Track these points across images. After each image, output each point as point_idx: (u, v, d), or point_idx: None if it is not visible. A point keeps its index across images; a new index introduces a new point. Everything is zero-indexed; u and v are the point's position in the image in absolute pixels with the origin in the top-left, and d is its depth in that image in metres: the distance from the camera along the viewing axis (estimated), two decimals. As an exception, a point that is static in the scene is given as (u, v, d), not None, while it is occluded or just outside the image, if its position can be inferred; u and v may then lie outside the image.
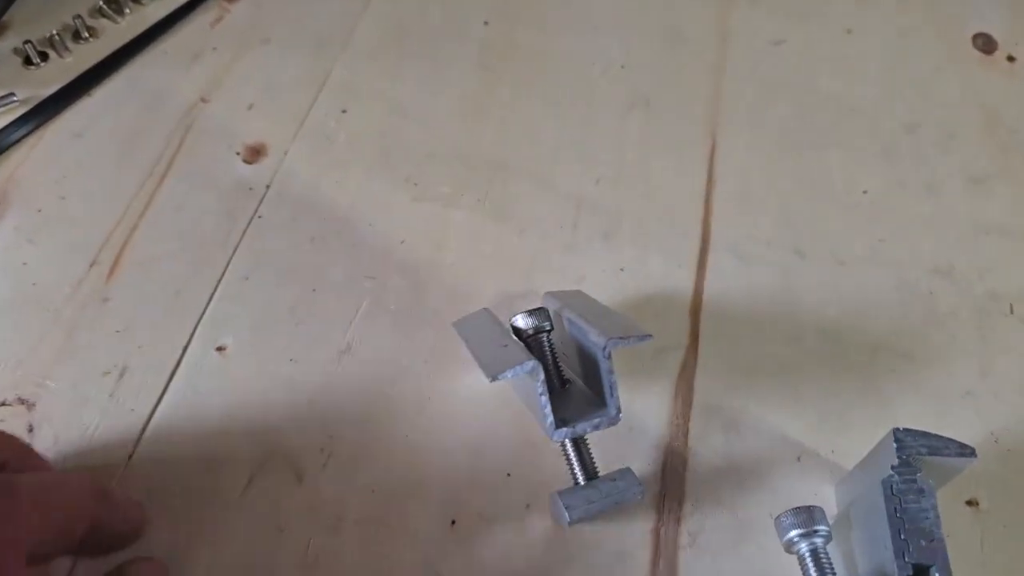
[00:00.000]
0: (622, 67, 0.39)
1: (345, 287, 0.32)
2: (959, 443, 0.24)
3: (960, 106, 0.37)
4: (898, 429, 0.24)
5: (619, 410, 0.25)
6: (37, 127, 0.37)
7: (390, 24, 0.41)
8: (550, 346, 0.26)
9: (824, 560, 0.23)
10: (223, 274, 0.32)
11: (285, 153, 0.36)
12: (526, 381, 0.25)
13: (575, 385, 0.27)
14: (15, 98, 0.38)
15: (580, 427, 0.25)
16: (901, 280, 0.32)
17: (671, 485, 0.28)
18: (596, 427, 0.25)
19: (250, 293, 0.32)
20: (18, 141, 0.37)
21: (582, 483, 0.25)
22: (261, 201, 0.34)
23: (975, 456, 0.23)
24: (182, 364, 0.30)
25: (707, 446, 0.28)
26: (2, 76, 0.39)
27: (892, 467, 0.23)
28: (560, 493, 0.25)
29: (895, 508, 0.23)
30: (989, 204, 0.34)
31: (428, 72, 0.39)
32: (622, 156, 0.36)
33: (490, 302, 0.31)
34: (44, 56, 0.40)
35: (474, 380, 0.29)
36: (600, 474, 0.26)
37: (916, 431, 0.24)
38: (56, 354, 0.30)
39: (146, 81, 0.39)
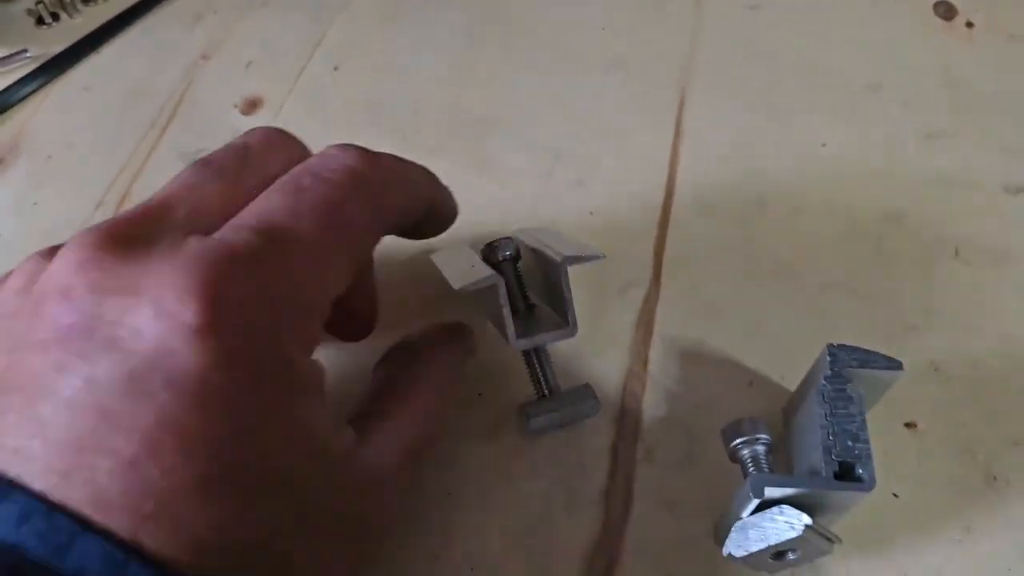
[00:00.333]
0: (603, 30, 0.41)
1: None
2: (887, 357, 0.26)
3: (920, 69, 0.39)
4: (832, 344, 0.26)
5: (576, 323, 0.27)
6: (48, 82, 0.40)
7: (383, -11, 0.43)
8: (516, 272, 0.28)
9: (764, 465, 0.26)
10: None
11: (281, 107, 0.38)
12: (492, 300, 0.27)
13: (541, 308, 0.29)
14: (28, 54, 0.40)
15: (539, 338, 0.27)
16: (853, 225, 0.34)
17: (629, 406, 0.30)
18: (555, 339, 0.27)
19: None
20: (30, 94, 0.39)
21: (546, 396, 0.28)
22: (256, 149, 0.37)
23: (901, 368, 0.25)
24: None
25: (665, 372, 0.31)
26: (16, 35, 0.41)
27: (825, 377, 0.25)
28: (524, 404, 0.28)
29: (826, 413, 0.25)
30: (942, 158, 0.36)
31: (418, 34, 0.41)
32: (599, 113, 0.38)
33: (470, 244, 0.33)
34: (56, 16, 0.42)
35: (450, 313, 0.31)
36: (562, 390, 0.28)
37: (848, 346, 0.26)
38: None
39: (151, 40, 0.41)
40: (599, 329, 0.31)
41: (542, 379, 0.28)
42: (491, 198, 0.35)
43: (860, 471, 0.24)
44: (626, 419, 0.30)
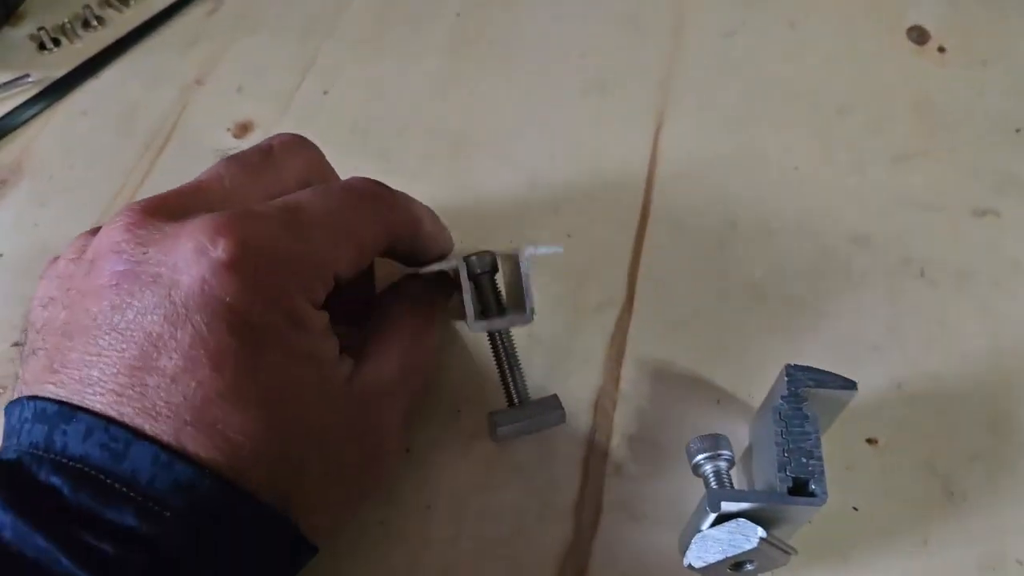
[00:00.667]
0: (582, 55, 0.43)
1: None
2: (843, 377, 0.27)
3: (891, 92, 0.41)
4: (790, 365, 0.27)
5: (533, 310, 0.28)
6: (49, 105, 0.41)
7: (371, 14, 0.45)
8: (492, 283, 0.29)
9: (725, 480, 0.27)
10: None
11: (271, 131, 0.40)
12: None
13: (514, 315, 0.30)
14: (30, 79, 0.42)
15: (496, 322, 0.28)
16: (822, 246, 0.35)
17: (601, 422, 0.31)
18: (511, 323, 0.29)
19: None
20: (32, 117, 0.41)
21: (515, 404, 0.29)
22: (248, 172, 0.38)
23: (855, 388, 0.27)
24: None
25: (636, 389, 0.32)
26: (19, 60, 0.43)
27: (782, 397, 0.26)
28: (493, 412, 0.29)
29: (781, 431, 0.26)
30: (910, 180, 0.37)
31: (403, 58, 0.43)
32: (577, 134, 0.39)
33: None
34: (56, 42, 0.44)
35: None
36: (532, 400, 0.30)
37: (805, 367, 0.27)
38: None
39: (147, 65, 0.43)
40: (573, 347, 0.33)
41: (511, 384, 0.29)
42: (471, 219, 0.36)
43: (813, 487, 0.25)
44: (597, 434, 0.31)
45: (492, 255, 0.29)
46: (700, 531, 0.25)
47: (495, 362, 0.30)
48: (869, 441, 0.31)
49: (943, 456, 0.30)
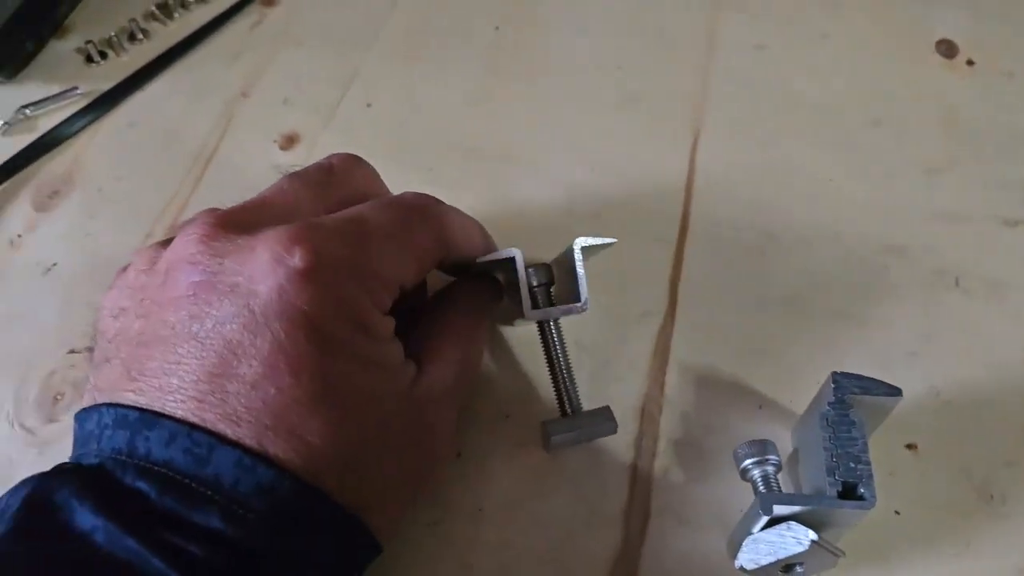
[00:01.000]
0: (618, 68, 0.43)
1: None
2: (888, 384, 0.28)
3: (921, 105, 0.41)
4: (836, 372, 0.28)
5: (587, 301, 0.29)
6: (97, 118, 0.42)
7: (411, 28, 0.46)
8: (548, 296, 0.30)
9: (773, 484, 0.28)
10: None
11: (316, 143, 0.41)
12: (512, 286, 0.29)
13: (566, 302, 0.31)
14: (78, 91, 0.43)
15: (551, 311, 0.29)
16: (857, 256, 0.36)
17: (647, 428, 0.32)
18: (565, 312, 0.29)
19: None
20: (81, 130, 0.42)
21: (568, 414, 0.30)
22: (295, 183, 0.39)
23: (900, 395, 0.27)
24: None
25: (680, 396, 0.33)
26: (66, 72, 0.44)
27: (829, 403, 0.27)
28: (547, 421, 0.30)
29: (829, 436, 0.27)
30: (941, 192, 0.38)
31: (442, 71, 0.44)
32: (614, 147, 0.40)
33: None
34: (103, 55, 0.45)
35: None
36: (584, 410, 0.30)
37: (851, 374, 0.28)
38: (118, 310, 0.35)
39: (193, 77, 0.44)
40: (619, 355, 0.33)
41: (564, 393, 0.30)
42: (513, 231, 0.37)
43: (862, 490, 0.26)
44: (644, 440, 0.32)
45: (548, 267, 0.30)
46: (751, 534, 0.26)
47: (548, 366, 0.31)
48: (909, 447, 0.31)
49: (980, 462, 0.31)
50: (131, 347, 0.25)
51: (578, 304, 0.29)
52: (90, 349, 0.34)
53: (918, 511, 0.30)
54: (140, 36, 0.45)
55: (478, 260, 0.31)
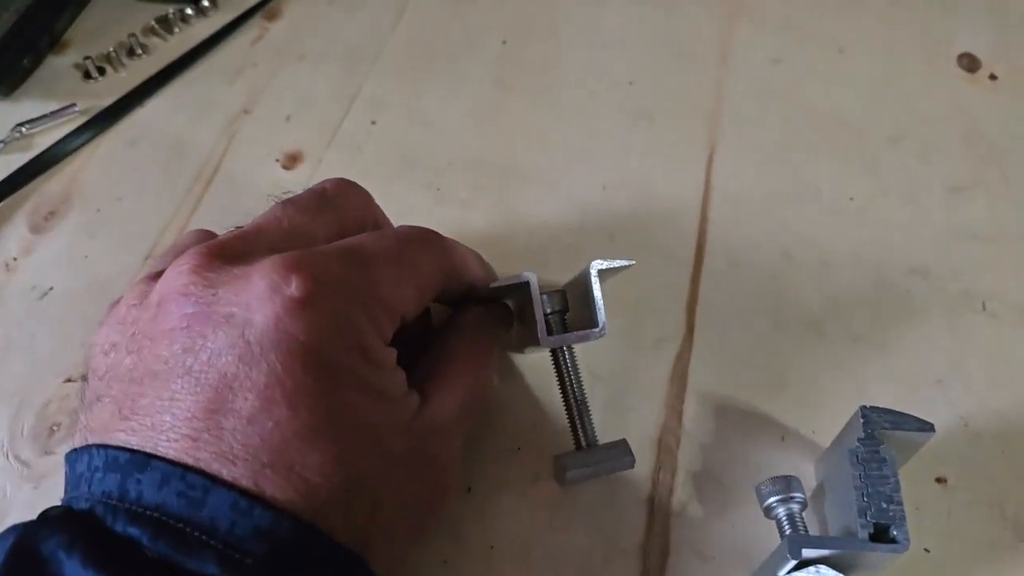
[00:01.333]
0: (629, 83, 0.42)
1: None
2: (919, 419, 0.26)
3: (943, 121, 0.40)
4: (865, 406, 0.26)
5: (604, 326, 0.28)
6: (95, 135, 0.41)
7: (415, 43, 0.45)
8: (563, 322, 0.29)
9: (799, 524, 0.26)
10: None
11: (320, 161, 0.40)
12: (528, 315, 0.28)
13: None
14: (76, 108, 0.42)
15: (567, 336, 0.28)
16: (880, 279, 0.35)
17: (665, 460, 0.31)
18: (581, 338, 0.28)
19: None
20: (79, 148, 0.41)
21: (583, 447, 0.29)
22: (298, 203, 0.38)
23: (933, 431, 0.26)
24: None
25: (698, 426, 0.31)
26: (64, 89, 0.43)
27: (858, 439, 0.26)
28: (561, 455, 0.29)
29: (860, 475, 0.25)
30: (965, 211, 0.37)
31: (449, 87, 0.43)
32: (626, 164, 0.39)
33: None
34: (102, 71, 0.44)
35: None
36: (599, 443, 0.29)
37: (881, 408, 0.26)
38: (116, 337, 0.34)
39: (193, 94, 0.43)
40: (635, 383, 0.32)
41: (579, 426, 0.29)
42: (523, 251, 0.36)
43: (895, 532, 0.25)
44: (662, 472, 0.30)
45: (563, 293, 0.29)
46: (778, 577, 0.25)
47: (561, 395, 0.29)
48: (938, 480, 0.30)
49: (1012, 497, 0.30)
50: (123, 384, 0.23)
51: (595, 330, 0.28)
52: (85, 378, 0.33)
53: (949, 549, 0.29)
54: (139, 51, 0.44)
55: (491, 286, 0.29)
